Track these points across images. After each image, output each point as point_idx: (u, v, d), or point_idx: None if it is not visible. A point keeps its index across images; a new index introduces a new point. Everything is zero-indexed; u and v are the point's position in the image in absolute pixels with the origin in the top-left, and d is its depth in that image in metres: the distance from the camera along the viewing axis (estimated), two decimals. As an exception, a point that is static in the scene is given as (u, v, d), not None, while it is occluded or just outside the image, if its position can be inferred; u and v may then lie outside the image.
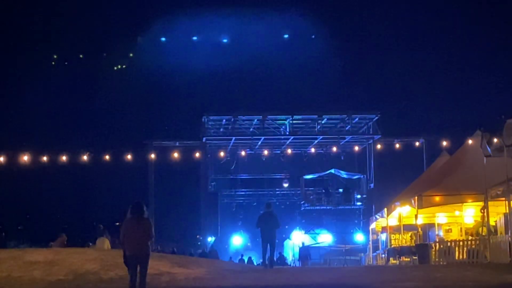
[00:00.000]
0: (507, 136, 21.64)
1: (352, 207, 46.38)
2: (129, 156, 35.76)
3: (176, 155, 36.80)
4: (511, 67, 49.91)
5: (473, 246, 23.93)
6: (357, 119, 44.09)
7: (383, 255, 30.32)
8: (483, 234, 23.63)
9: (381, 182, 43.10)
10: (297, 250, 40.09)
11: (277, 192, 49.71)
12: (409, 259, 26.47)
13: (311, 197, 47.26)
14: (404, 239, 29.27)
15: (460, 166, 27.31)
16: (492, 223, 24.64)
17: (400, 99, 50.79)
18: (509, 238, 21.43)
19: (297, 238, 42.58)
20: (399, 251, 27.38)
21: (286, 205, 49.01)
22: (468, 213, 28.00)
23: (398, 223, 29.61)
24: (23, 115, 53.07)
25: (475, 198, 25.30)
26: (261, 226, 21.19)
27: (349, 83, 54.31)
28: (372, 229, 35.28)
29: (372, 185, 44.42)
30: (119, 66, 61.67)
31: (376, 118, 43.36)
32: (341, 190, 46.58)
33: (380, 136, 43.05)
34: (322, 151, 45.05)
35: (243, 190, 49.17)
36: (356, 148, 42.99)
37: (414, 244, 27.28)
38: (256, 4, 58.36)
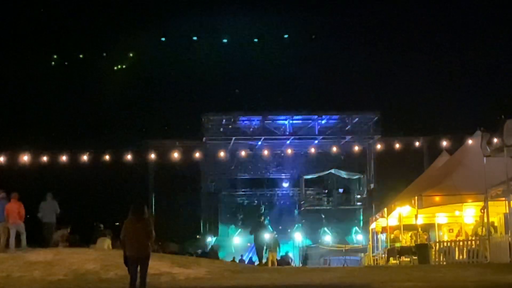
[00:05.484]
0: (507, 136, 21.65)
1: (352, 207, 46.41)
2: (129, 156, 35.72)
3: (176, 155, 36.78)
4: (511, 66, 49.91)
5: (473, 246, 23.95)
6: (357, 119, 44.12)
7: (383, 255, 30.32)
8: (482, 234, 23.66)
9: (381, 182, 43.14)
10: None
11: (277, 192, 49.72)
12: (409, 259, 26.46)
13: (311, 197, 47.31)
14: (404, 239, 29.26)
15: (460, 166, 27.29)
16: (494, 223, 24.68)
17: (400, 99, 50.74)
18: (509, 238, 21.44)
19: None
20: (399, 251, 27.37)
21: (286, 205, 49.02)
22: (468, 213, 28.00)
23: (398, 223, 29.60)
24: (23, 115, 53.03)
25: (475, 198, 25.29)
26: (254, 233, 26.02)
27: (349, 83, 54.26)
28: (372, 229, 35.27)
29: (372, 185, 44.44)
30: (119, 66, 61.60)
31: (376, 118, 43.38)
32: (341, 190, 46.62)
33: (380, 136, 43.07)
34: (322, 151, 45.08)
35: (243, 190, 49.19)
36: (356, 148, 42.99)
37: (414, 244, 27.28)
38: (256, 4, 58.36)
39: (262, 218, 27.57)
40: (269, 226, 27.80)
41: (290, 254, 40.06)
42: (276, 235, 36.30)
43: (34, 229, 23.31)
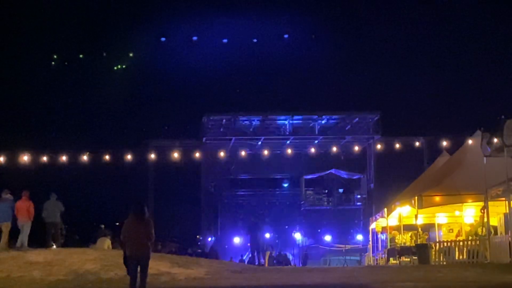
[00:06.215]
0: (507, 136, 21.65)
1: (352, 207, 46.40)
2: (129, 156, 35.71)
3: (176, 155, 36.77)
4: (511, 67, 49.89)
5: (473, 246, 23.95)
6: (357, 119, 44.11)
7: (383, 255, 30.33)
8: (482, 234, 23.67)
9: (381, 182, 43.14)
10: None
11: (277, 192, 49.72)
12: (409, 259, 26.46)
13: (311, 197, 47.31)
14: (404, 239, 29.26)
15: (460, 166, 27.28)
16: (494, 223, 24.66)
17: (400, 99, 50.76)
18: (509, 238, 21.45)
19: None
20: (399, 251, 27.38)
21: (286, 205, 49.02)
22: (468, 213, 27.99)
23: (398, 223, 29.61)
24: (23, 115, 53.03)
25: (475, 198, 25.29)
26: (250, 233, 26.60)
27: (349, 83, 54.27)
28: (372, 229, 35.26)
29: (372, 185, 44.43)
30: (119, 66, 61.61)
31: (376, 118, 43.37)
32: (341, 190, 46.61)
33: (380, 136, 43.06)
34: (322, 151, 45.08)
35: (243, 190, 49.18)
36: (356, 148, 43.00)
37: (414, 244, 27.28)
38: (256, 4, 58.35)
39: (257, 218, 28.10)
40: (264, 226, 28.34)
41: (287, 253, 40.14)
42: (271, 235, 36.83)
43: (35, 229, 23.31)
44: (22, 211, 22.32)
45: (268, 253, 29.07)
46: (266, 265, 28.40)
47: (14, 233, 22.66)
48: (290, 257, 40.21)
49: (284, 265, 33.41)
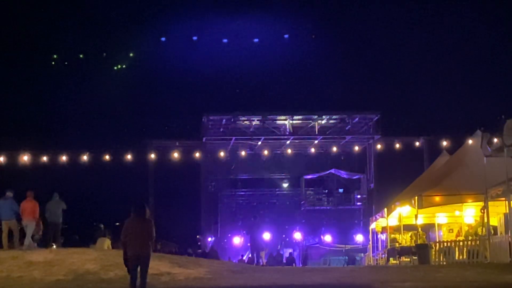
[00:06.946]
0: (507, 136, 21.68)
1: (352, 207, 46.38)
2: (129, 156, 35.74)
3: (176, 155, 36.80)
4: (511, 67, 49.89)
5: (473, 246, 23.95)
6: (357, 119, 44.08)
7: (383, 255, 30.34)
8: (482, 234, 23.68)
9: (381, 182, 43.11)
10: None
11: (277, 192, 49.71)
12: (409, 259, 26.47)
13: (311, 197, 47.32)
14: (404, 239, 29.26)
15: (460, 166, 27.28)
16: (494, 223, 24.67)
17: (400, 99, 50.75)
18: (509, 238, 21.46)
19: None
20: (399, 251, 27.38)
21: (286, 205, 49.00)
22: (468, 213, 27.99)
23: (398, 223, 29.61)
24: (23, 115, 53.04)
25: (475, 198, 25.29)
26: (250, 234, 26.75)
27: (349, 83, 54.27)
28: (372, 229, 35.25)
29: (372, 185, 44.41)
30: (119, 66, 61.61)
31: (376, 118, 43.36)
32: (341, 190, 46.59)
33: (380, 136, 43.05)
34: (322, 151, 45.05)
35: (243, 190, 49.16)
36: (356, 148, 43.00)
37: (414, 244, 27.28)
38: (256, 4, 58.37)
39: (257, 219, 28.38)
40: (263, 226, 28.71)
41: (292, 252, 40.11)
42: (271, 234, 36.88)
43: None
44: (27, 211, 22.38)
45: (263, 253, 28.97)
46: (264, 264, 28.41)
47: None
48: (293, 253, 40.19)
49: (286, 265, 33.42)
